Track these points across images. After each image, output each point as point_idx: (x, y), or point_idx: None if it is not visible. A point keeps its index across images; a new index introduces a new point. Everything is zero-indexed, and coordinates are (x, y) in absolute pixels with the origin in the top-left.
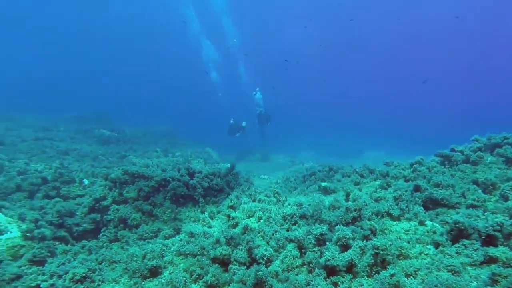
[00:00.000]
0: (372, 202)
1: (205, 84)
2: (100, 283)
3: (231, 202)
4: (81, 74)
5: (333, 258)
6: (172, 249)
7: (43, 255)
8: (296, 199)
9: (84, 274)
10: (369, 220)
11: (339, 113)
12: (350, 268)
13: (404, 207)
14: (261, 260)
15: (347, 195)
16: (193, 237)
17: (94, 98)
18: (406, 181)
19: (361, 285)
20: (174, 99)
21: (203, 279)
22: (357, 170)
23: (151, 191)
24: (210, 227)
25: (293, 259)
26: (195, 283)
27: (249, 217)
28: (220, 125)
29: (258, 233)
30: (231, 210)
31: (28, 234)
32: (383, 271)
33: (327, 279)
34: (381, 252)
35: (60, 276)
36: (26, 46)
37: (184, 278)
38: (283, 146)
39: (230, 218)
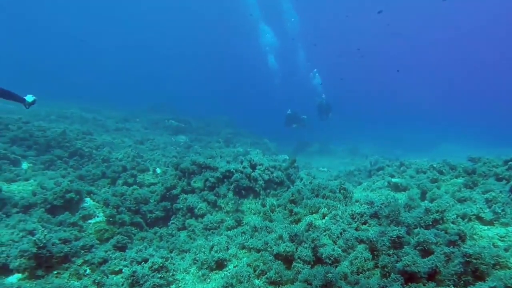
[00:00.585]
0: (455, 203)
1: (264, 74)
2: (174, 272)
3: (292, 196)
4: (152, 70)
5: (413, 264)
6: (235, 241)
7: (125, 241)
8: (366, 196)
9: (161, 264)
10: (453, 223)
11: (409, 104)
12: (432, 275)
13: (499, 211)
14: (327, 260)
15: (423, 193)
16: (256, 231)
17: (162, 91)
18: (498, 180)
19: None
20: (233, 90)
21: (266, 275)
22: (434, 165)
23: (216, 181)
24: (271, 220)
25: (364, 261)
26: (258, 279)
27: (312, 213)
28: (278, 115)
29: (324, 231)
30: (292, 204)
31: (110, 219)
32: (478, 282)
33: (405, 286)
34: (474, 260)
35: (138, 262)
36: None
37: (248, 273)
38: (343, 138)
39: (293, 213)
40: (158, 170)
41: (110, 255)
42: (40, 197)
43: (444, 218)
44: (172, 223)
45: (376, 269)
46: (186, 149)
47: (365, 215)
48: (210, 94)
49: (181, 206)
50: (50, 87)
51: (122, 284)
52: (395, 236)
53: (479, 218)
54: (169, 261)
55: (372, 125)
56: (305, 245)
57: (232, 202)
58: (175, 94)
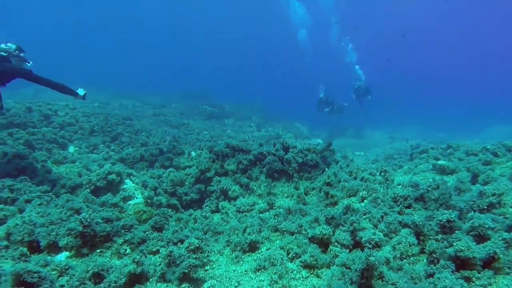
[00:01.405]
0: None
1: (295, 55)
2: (208, 253)
3: (328, 178)
4: (186, 58)
5: (467, 249)
6: (268, 224)
7: (162, 222)
8: (409, 179)
9: (197, 245)
10: (511, 207)
11: (455, 86)
12: (489, 262)
13: None
14: (367, 245)
15: (474, 176)
16: (290, 213)
17: (196, 79)
18: None
19: (504, 283)
20: (265, 74)
21: (301, 258)
22: (488, 147)
23: (248, 164)
24: (305, 203)
25: (409, 246)
26: (292, 262)
27: (349, 196)
28: (310, 99)
29: (364, 215)
30: (328, 187)
31: (149, 201)
32: None
33: (456, 272)
34: None
35: (174, 243)
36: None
37: (281, 256)
38: (381, 122)
39: (329, 196)
40: (193, 153)
41: (149, 236)
42: (85, 179)
43: (502, 202)
44: (206, 205)
45: (422, 255)
46: (220, 134)
47: (409, 198)
48: (243, 80)
49: (215, 189)
50: (90, 78)
51: (159, 264)
52: (445, 220)
53: None
54: (203, 242)
55: (414, 109)
56: (343, 229)
57: (265, 185)
58: (209, 81)
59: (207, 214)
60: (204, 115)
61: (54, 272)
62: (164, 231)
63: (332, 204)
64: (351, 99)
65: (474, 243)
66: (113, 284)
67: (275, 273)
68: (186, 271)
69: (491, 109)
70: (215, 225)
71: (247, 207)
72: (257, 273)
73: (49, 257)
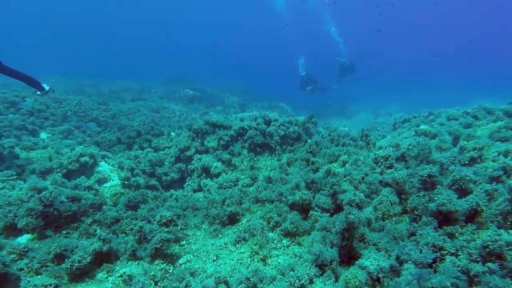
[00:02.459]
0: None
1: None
2: (183, 227)
3: (310, 148)
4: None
5: (449, 202)
6: (250, 196)
7: (137, 200)
8: (390, 141)
9: (170, 218)
10: (494, 161)
11: (438, 64)
12: (471, 217)
13: None
14: (347, 206)
15: (456, 138)
16: (271, 182)
17: (179, 65)
18: None
19: (490, 237)
20: (250, 57)
21: (281, 227)
22: (469, 111)
23: (229, 140)
24: (287, 174)
25: (391, 205)
26: (273, 231)
27: (331, 162)
28: (294, 79)
29: (344, 177)
30: (309, 155)
31: (126, 182)
32: None
33: (439, 229)
34: None
35: (149, 222)
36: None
37: (262, 226)
38: (366, 100)
39: (310, 163)
40: (173, 134)
41: (122, 215)
42: (55, 162)
43: (483, 157)
44: (188, 184)
45: (404, 214)
46: (202, 116)
47: (390, 158)
48: (227, 64)
49: (196, 167)
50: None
51: (128, 243)
52: (426, 175)
53: None
54: (181, 218)
55: (398, 87)
56: (323, 193)
57: (247, 159)
58: (190, 65)
59: (189, 194)
60: (186, 98)
61: (12, 256)
62: (139, 210)
63: (314, 171)
64: (335, 77)
65: (456, 196)
66: (76, 264)
67: (255, 244)
68: (158, 246)
69: (474, 86)
70: (195, 202)
71: (230, 183)
72: (237, 245)
73: (4, 240)
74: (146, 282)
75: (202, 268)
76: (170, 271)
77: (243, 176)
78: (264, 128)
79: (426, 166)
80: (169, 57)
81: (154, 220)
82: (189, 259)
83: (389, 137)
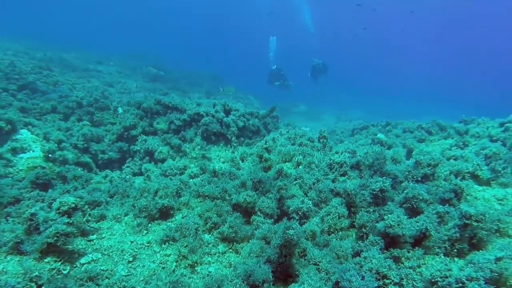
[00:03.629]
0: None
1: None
2: (91, 219)
3: (266, 143)
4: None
5: (398, 225)
6: (192, 188)
7: (48, 177)
8: (347, 146)
9: (73, 205)
10: (445, 180)
11: (395, 78)
12: (420, 240)
13: (499, 168)
14: (294, 215)
15: (409, 151)
16: (216, 176)
17: (147, 40)
18: (493, 141)
19: (434, 266)
20: (226, 47)
21: (219, 230)
22: (423, 125)
23: (182, 124)
24: (238, 168)
25: (339, 218)
26: (209, 233)
27: (285, 161)
28: (265, 74)
29: (295, 180)
30: (264, 151)
31: (49, 155)
32: (475, 251)
33: (385, 251)
34: (474, 223)
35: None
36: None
37: (196, 226)
38: (330, 101)
39: (263, 160)
40: (120, 110)
41: (24, 194)
42: None
43: (436, 174)
44: (127, 166)
45: (352, 229)
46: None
47: (345, 165)
48: (201, 51)
49: (139, 148)
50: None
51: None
52: (378, 189)
53: (475, 177)
54: (102, 206)
55: (363, 94)
56: (269, 195)
57: (199, 147)
58: (163, 46)
59: (127, 177)
60: (148, 76)
61: None
62: (50, 190)
63: (266, 168)
64: (306, 77)
65: (406, 217)
66: None
67: (185, 246)
68: (50, 240)
69: (428, 99)
70: (126, 188)
71: (175, 170)
72: (164, 245)
73: None
74: (21, 285)
75: (111, 271)
76: (65, 271)
77: (192, 165)
78: (222, 117)
79: (379, 179)
80: (138, 33)
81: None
82: (95, 258)
83: (346, 142)
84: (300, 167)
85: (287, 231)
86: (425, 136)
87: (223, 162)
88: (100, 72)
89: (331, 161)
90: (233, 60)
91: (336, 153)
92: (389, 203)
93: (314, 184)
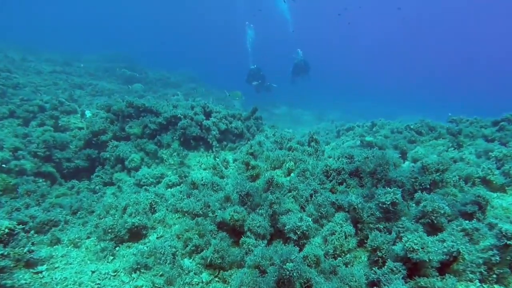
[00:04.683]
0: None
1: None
2: (32, 246)
3: (251, 148)
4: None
5: (422, 248)
6: (169, 202)
7: None
8: (343, 151)
9: (7, 231)
10: (454, 186)
11: (371, 79)
12: (448, 263)
13: None
14: (291, 235)
15: (403, 153)
16: (197, 188)
17: (121, 41)
18: (488, 141)
19: None
20: (203, 47)
21: (202, 254)
22: (412, 126)
23: (158, 128)
24: (222, 177)
25: (345, 238)
26: (190, 258)
27: (274, 168)
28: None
29: (289, 192)
30: (250, 157)
31: (3, 166)
32: None
33: (409, 280)
34: None
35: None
36: None
37: (174, 250)
38: (311, 102)
39: (250, 167)
40: (88, 113)
41: None
42: None
43: (445, 180)
44: (97, 175)
45: (360, 248)
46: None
47: (343, 172)
48: (178, 52)
49: (110, 155)
50: None
51: None
52: (388, 203)
53: (487, 182)
54: (60, 226)
55: (339, 93)
56: (260, 211)
57: (177, 153)
58: (138, 48)
59: (97, 187)
60: (122, 79)
61: None
62: None
63: (253, 177)
64: (287, 76)
65: (428, 238)
66: None
67: (161, 275)
68: None
69: (399, 104)
70: (92, 202)
71: (151, 179)
72: (134, 274)
73: None
74: None
75: None
76: None
77: (169, 172)
78: (202, 119)
79: (389, 190)
80: (112, 34)
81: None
82: None
83: (333, 144)
84: (292, 174)
85: (285, 265)
86: (416, 137)
87: (205, 169)
88: (69, 74)
89: (327, 167)
90: (211, 61)
91: (329, 157)
92: (403, 218)
93: (311, 196)
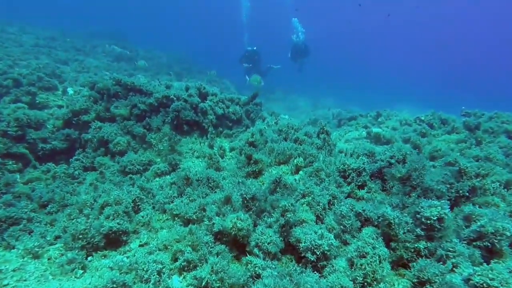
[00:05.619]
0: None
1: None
2: None
3: (252, 137)
4: None
5: (501, 285)
6: (156, 198)
7: None
8: (360, 146)
9: None
10: (493, 194)
11: (366, 68)
12: None
13: None
14: (309, 255)
15: (415, 148)
16: (190, 184)
17: (114, 18)
18: (511, 138)
19: None
20: (198, 26)
21: (194, 273)
22: (422, 118)
23: (148, 110)
24: (218, 168)
25: (379, 262)
26: (180, 275)
27: (279, 163)
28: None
29: (302, 197)
30: (251, 148)
31: None
32: None
33: None
34: None
35: None
36: None
37: (160, 266)
38: (305, 90)
39: (252, 162)
40: (71, 91)
41: None
42: None
43: (484, 187)
44: (77, 159)
45: (399, 277)
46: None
47: (364, 173)
48: (172, 31)
49: (92, 137)
50: None
51: None
52: (434, 218)
53: None
54: (21, 224)
55: (333, 79)
56: (269, 219)
57: (167, 138)
58: (130, 23)
59: (76, 172)
60: (112, 56)
61: None
62: None
63: (255, 173)
64: (286, 58)
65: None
66: None
67: None
68: None
69: (394, 92)
70: (65, 193)
71: (137, 166)
72: None
73: None
74: None
75: None
76: None
77: (158, 159)
78: (197, 102)
79: (435, 203)
80: (103, 9)
81: None
82: None
83: (335, 134)
84: (301, 172)
85: None
86: (427, 130)
87: (197, 157)
88: (52, 48)
89: (345, 166)
90: (206, 42)
91: (341, 152)
92: (453, 239)
93: (329, 202)
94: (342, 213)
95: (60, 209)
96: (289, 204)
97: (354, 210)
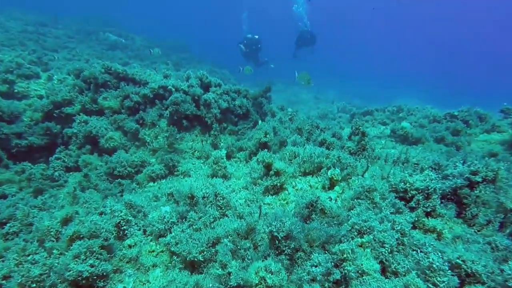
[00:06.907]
0: None
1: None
2: None
3: (265, 136)
4: None
5: None
6: (149, 218)
7: None
8: (423, 156)
9: None
10: None
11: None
12: None
13: None
14: None
15: (457, 148)
16: (195, 205)
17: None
18: None
19: None
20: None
21: None
22: (455, 113)
23: (141, 102)
24: (226, 176)
25: None
26: None
27: (305, 173)
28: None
29: (358, 235)
30: (271, 155)
31: None
32: None
33: None
34: None
35: None
36: None
37: None
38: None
39: (271, 172)
40: (56, 79)
41: None
42: None
43: None
44: (58, 158)
45: None
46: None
47: (433, 196)
48: (170, 19)
49: (77, 131)
50: None
51: None
52: None
53: None
54: None
55: (334, 71)
56: (312, 268)
57: (165, 135)
58: (126, 10)
59: (57, 173)
60: (106, 44)
61: None
62: None
63: (276, 188)
64: (289, 51)
65: None
66: None
67: None
68: None
69: (397, 84)
70: (30, 210)
71: (128, 168)
72: None
73: None
74: None
75: None
76: None
77: (153, 160)
78: (200, 94)
79: None
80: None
81: None
82: None
83: (346, 131)
84: (338, 187)
85: None
86: (461, 127)
87: (199, 158)
88: (42, 35)
89: (407, 186)
90: (205, 31)
91: (377, 158)
92: None
93: (399, 243)
94: (433, 265)
95: (23, 229)
96: (349, 251)
97: (438, 260)
